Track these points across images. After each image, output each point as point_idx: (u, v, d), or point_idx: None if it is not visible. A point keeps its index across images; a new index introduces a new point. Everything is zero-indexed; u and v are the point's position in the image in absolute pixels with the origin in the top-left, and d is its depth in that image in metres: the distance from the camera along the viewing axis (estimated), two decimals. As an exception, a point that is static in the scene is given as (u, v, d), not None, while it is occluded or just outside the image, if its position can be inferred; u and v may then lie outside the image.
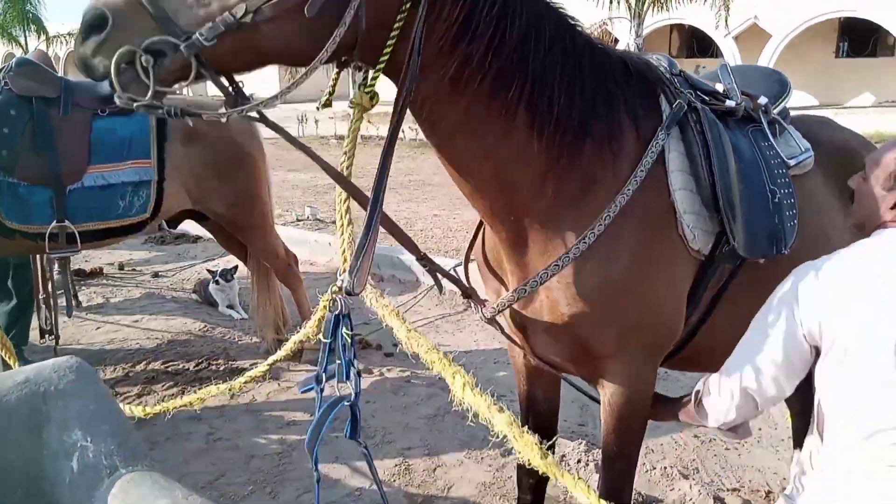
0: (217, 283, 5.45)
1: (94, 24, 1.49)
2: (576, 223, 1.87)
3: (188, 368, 4.45)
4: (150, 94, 1.49)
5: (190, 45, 1.48)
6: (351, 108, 1.75)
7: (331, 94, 1.78)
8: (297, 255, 4.72)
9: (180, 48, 1.48)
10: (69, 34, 31.39)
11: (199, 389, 4.04)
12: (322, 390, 1.83)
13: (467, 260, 2.30)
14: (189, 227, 5.89)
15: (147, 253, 7.25)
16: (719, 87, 2.20)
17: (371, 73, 1.71)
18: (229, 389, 2.43)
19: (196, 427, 3.70)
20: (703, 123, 1.96)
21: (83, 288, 6.01)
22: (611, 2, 16.19)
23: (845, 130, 2.58)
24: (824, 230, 2.22)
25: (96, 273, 6.45)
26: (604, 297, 1.89)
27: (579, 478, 1.48)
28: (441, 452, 3.45)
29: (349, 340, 1.75)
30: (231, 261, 5.52)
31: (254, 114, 1.61)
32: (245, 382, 2.38)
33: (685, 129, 1.96)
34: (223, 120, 1.62)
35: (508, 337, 2.16)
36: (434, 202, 9.50)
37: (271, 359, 2.31)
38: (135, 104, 1.50)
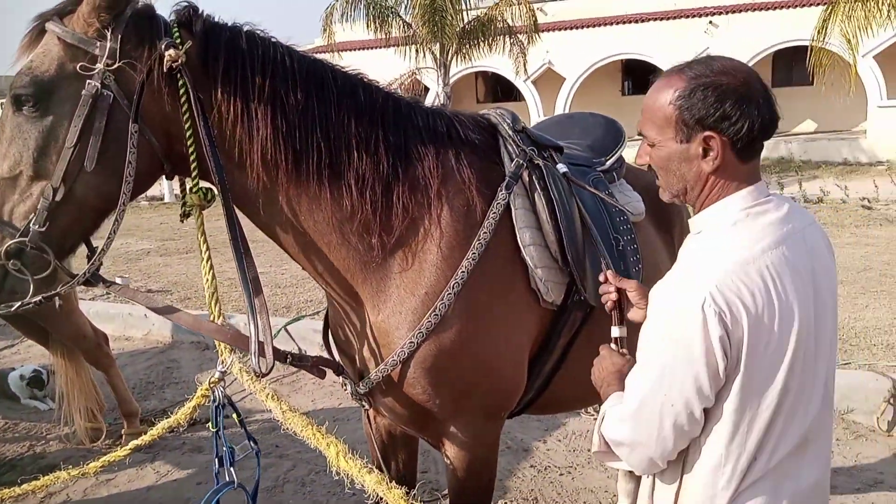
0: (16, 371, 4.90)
1: None
2: (416, 285, 1.85)
3: (-12, 474, 3.94)
4: (31, 288, 1.65)
5: (33, 235, 1.62)
6: (190, 210, 1.85)
7: (184, 204, 1.88)
8: (111, 331, 4.38)
9: (26, 241, 1.62)
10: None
11: (4, 492, 3.65)
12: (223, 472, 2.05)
13: (326, 334, 2.23)
14: (-22, 313, 5.27)
15: (-71, 346, 6.38)
16: (561, 143, 2.22)
17: (189, 181, 1.80)
18: (82, 474, 2.37)
19: (1, 540, 3.28)
20: (547, 179, 1.98)
21: None
22: (417, 53, 16.77)
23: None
24: (661, 271, 2.28)
25: None
26: (439, 362, 1.87)
27: None
28: (284, 524, 3.30)
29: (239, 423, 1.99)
30: (33, 345, 5.01)
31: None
32: (101, 466, 2.36)
33: (529, 186, 1.97)
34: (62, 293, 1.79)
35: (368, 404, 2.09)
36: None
37: (133, 444, 2.28)
38: (20, 304, 1.66)
